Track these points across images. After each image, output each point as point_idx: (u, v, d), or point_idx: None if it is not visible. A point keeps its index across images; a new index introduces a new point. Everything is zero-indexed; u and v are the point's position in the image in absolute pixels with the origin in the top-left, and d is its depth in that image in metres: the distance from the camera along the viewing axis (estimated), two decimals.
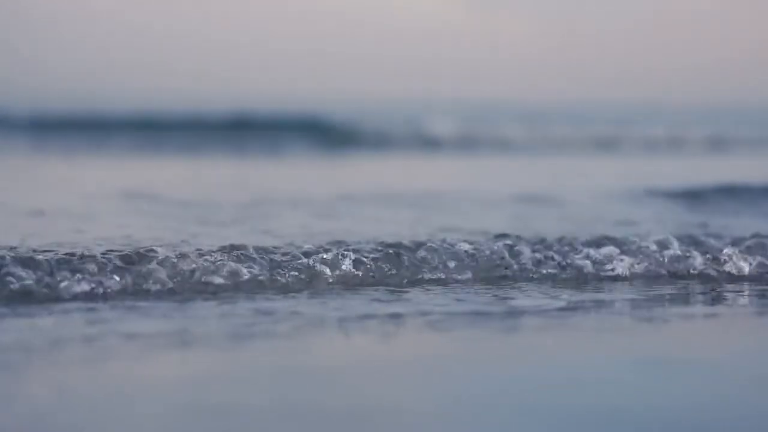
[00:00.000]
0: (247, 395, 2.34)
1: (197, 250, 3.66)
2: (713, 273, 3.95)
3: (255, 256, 3.62)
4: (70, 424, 2.12)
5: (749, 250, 4.02)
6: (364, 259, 3.70)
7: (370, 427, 2.14)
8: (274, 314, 3.20)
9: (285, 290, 3.52)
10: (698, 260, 3.99)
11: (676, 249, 4.02)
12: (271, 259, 3.63)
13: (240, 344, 2.89)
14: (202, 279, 3.51)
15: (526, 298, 3.52)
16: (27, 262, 3.39)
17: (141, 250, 3.54)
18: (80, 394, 2.35)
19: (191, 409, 2.22)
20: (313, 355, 2.81)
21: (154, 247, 3.60)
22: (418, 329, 3.16)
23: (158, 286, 3.42)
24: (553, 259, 3.91)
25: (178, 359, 2.74)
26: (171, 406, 2.24)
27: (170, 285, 3.45)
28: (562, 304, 3.46)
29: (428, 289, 3.63)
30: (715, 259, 3.99)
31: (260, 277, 3.55)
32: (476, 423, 2.14)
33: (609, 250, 3.98)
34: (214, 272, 3.53)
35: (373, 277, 3.69)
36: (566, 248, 3.99)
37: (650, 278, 3.91)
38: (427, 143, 17.39)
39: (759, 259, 3.98)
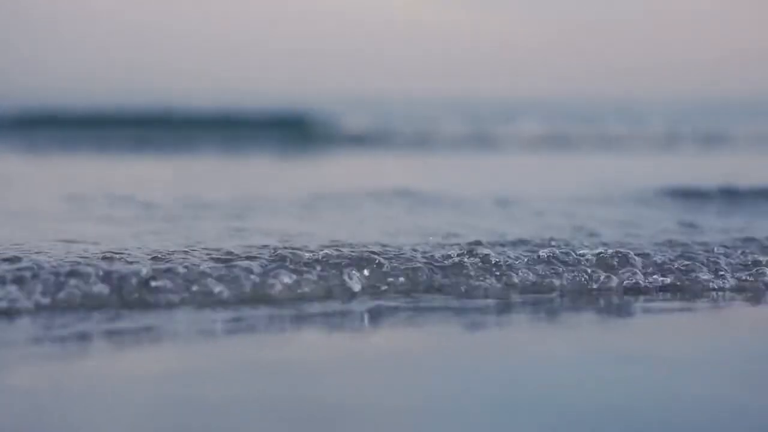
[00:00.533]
0: (216, 389, 2.35)
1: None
2: None
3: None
4: (40, 420, 2.13)
5: None
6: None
7: (344, 422, 2.15)
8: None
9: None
10: None
11: None
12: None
13: (209, 339, 2.89)
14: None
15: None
16: None
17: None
18: (50, 391, 2.35)
19: (161, 404, 2.23)
20: (273, 350, 2.81)
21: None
22: (388, 325, 3.15)
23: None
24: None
25: (147, 355, 2.73)
26: (140, 401, 2.25)
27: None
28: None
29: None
30: None
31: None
32: (447, 419, 2.16)
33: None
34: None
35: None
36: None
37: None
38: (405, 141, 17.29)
39: None
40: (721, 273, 3.71)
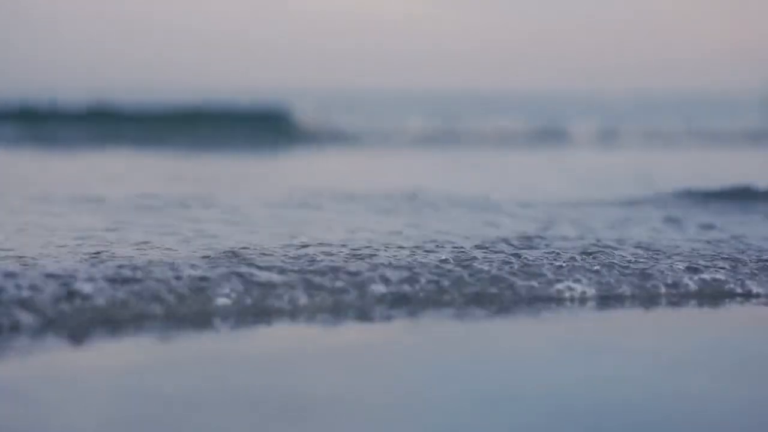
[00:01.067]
0: (185, 382, 2.36)
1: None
2: None
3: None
4: (7, 414, 2.13)
5: None
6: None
7: (306, 416, 2.15)
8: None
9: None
10: None
11: None
12: None
13: (178, 332, 2.90)
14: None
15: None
16: None
17: None
18: (16, 383, 2.37)
19: (127, 397, 2.23)
20: (242, 343, 2.84)
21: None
22: (356, 319, 3.17)
23: None
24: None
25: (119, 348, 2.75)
26: (110, 395, 2.26)
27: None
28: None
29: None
30: None
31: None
32: (416, 412, 2.18)
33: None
34: None
35: None
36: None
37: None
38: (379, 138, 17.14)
39: None
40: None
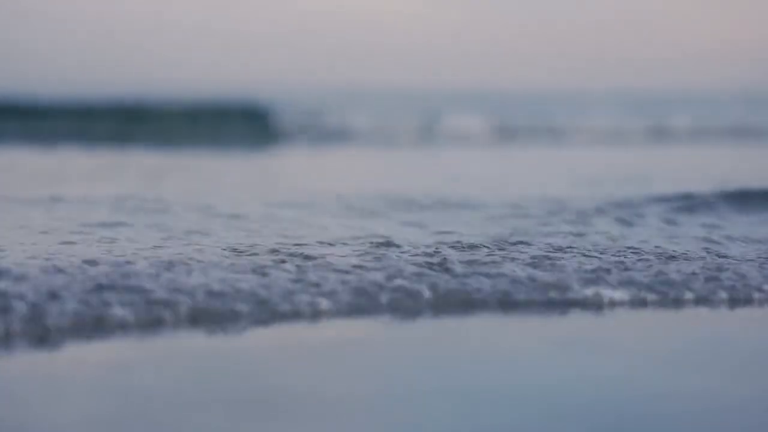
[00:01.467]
0: (159, 381, 2.33)
1: None
2: None
3: None
4: None
5: None
6: None
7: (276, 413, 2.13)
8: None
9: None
10: None
11: None
12: None
13: (152, 330, 2.85)
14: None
15: None
16: None
17: None
18: None
19: (104, 395, 2.21)
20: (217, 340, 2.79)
21: None
22: (329, 315, 3.12)
23: None
24: None
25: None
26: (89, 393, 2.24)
27: None
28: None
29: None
30: None
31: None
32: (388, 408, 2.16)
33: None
34: None
35: None
36: None
37: None
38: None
39: None
40: None
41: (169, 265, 3.30)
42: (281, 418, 2.10)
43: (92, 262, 3.28)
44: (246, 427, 2.03)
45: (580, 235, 4.32)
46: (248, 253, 3.61)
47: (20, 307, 2.79)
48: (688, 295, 3.35)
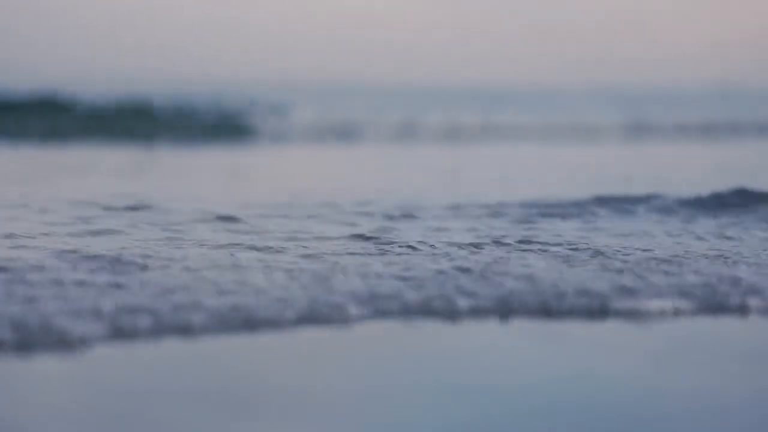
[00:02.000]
0: (141, 379, 2.32)
1: None
2: None
3: None
4: None
5: None
6: None
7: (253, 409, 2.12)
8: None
9: None
10: None
11: None
12: None
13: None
14: None
15: None
16: None
17: None
18: None
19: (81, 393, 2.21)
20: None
21: None
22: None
23: None
24: None
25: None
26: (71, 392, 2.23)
27: None
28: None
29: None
30: None
31: None
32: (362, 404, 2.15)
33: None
34: None
35: None
36: None
37: None
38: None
39: None
40: None
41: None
42: (265, 416, 2.08)
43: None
44: (235, 426, 2.01)
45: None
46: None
47: None
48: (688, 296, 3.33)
